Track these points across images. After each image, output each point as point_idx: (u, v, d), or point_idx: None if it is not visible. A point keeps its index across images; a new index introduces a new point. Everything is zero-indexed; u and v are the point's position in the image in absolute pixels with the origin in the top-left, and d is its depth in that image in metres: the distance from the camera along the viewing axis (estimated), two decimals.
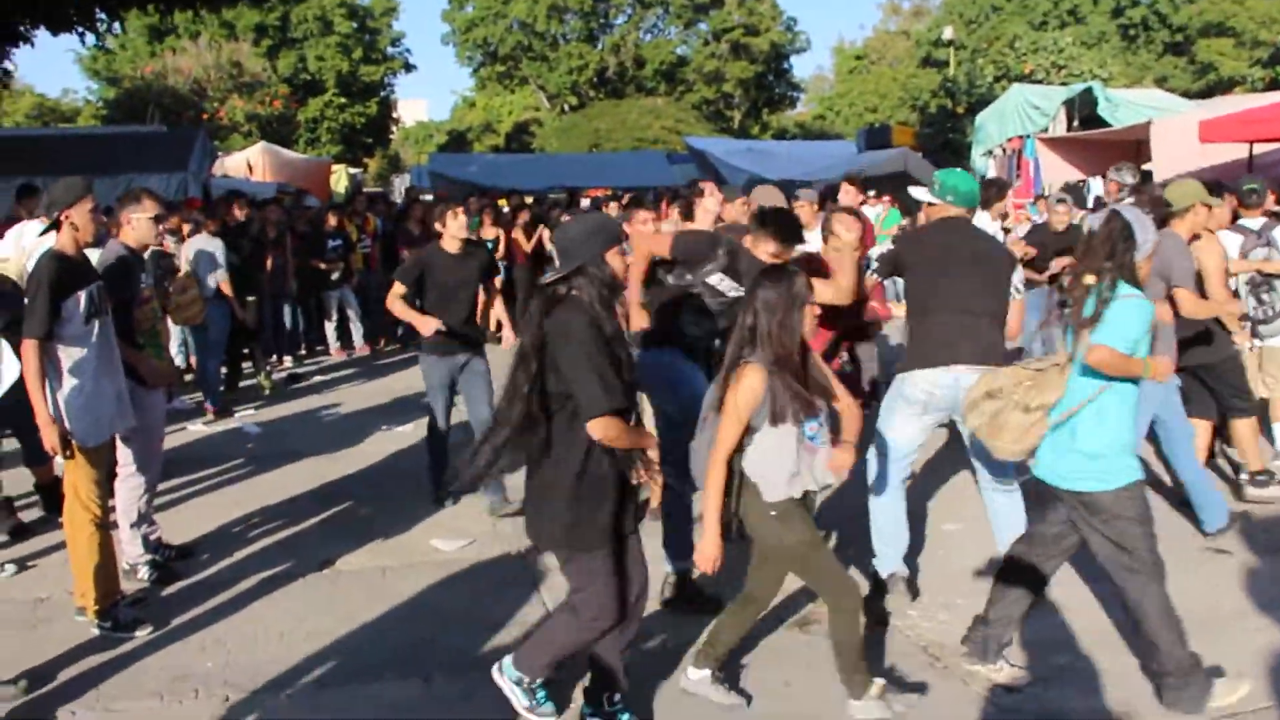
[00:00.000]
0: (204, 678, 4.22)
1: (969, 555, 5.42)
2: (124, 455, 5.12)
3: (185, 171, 11.99)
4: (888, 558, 4.80)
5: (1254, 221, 6.70)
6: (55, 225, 4.51)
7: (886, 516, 4.82)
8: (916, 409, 4.73)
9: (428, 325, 6.08)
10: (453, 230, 6.32)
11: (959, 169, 5.08)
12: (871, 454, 4.85)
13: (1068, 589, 4.94)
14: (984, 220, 7.29)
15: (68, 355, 4.44)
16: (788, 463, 3.68)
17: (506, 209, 13.69)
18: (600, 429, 3.39)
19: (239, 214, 10.38)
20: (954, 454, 7.16)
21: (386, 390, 10.09)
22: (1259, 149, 13.08)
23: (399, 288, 6.26)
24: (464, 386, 6.39)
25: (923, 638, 4.50)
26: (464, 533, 5.90)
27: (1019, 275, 4.89)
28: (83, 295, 4.46)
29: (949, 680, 4.14)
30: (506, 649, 4.40)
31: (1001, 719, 3.85)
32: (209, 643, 4.55)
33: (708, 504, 3.73)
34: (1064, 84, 23.71)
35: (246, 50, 32.78)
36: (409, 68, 44.28)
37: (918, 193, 5.20)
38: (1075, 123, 18.84)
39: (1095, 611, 4.71)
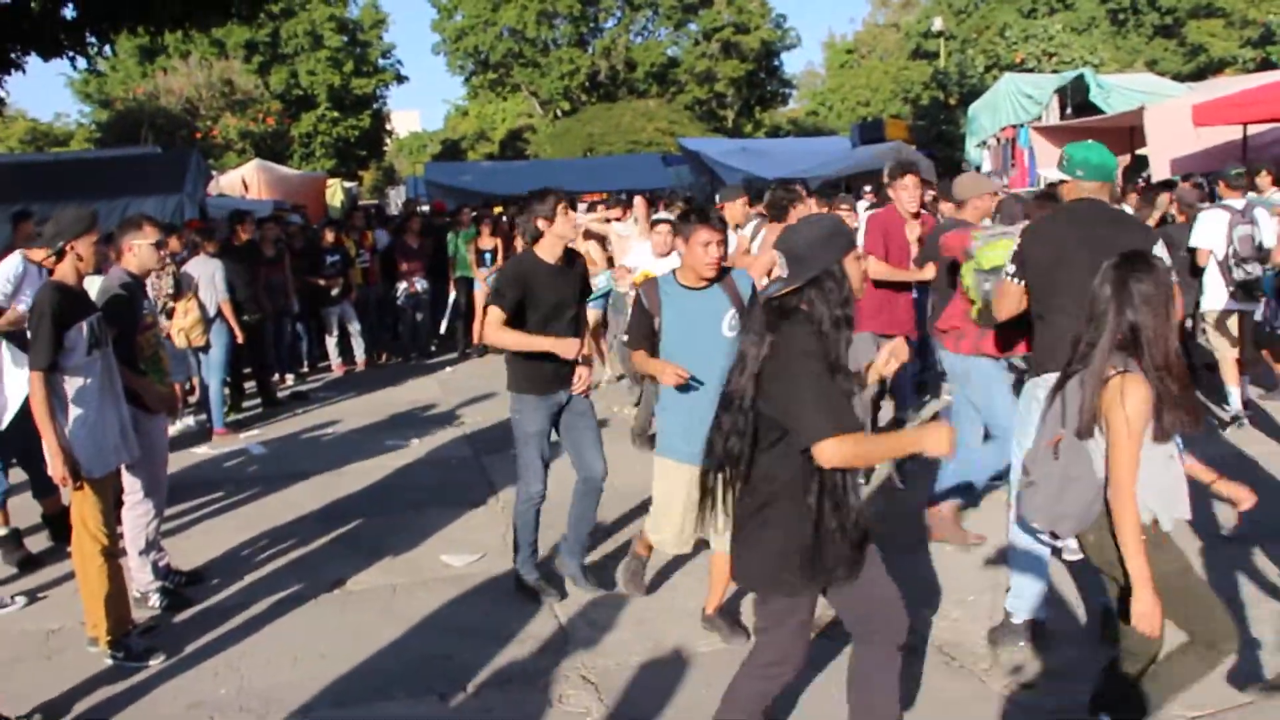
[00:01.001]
0: (219, 704, 4.21)
1: (981, 552, 5.42)
2: (130, 483, 5.11)
3: (180, 193, 11.96)
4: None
5: (1237, 201, 7.71)
6: (59, 254, 4.51)
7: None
8: None
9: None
10: (560, 230, 4.95)
11: (1090, 141, 4.50)
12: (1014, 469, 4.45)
13: (1081, 579, 4.94)
14: None
15: (71, 385, 4.44)
16: (1164, 483, 3.20)
17: (505, 217, 13.69)
18: (829, 453, 2.98)
19: (243, 234, 10.42)
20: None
21: (390, 405, 10.08)
22: (1253, 130, 13.08)
23: (498, 314, 4.88)
24: (567, 432, 5.16)
25: (937, 637, 4.49)
26: (473, 547, 5.89)
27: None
28: (84, 325, 4.46)
29: (966, 679, 4.13)
30: (520, 663, 4.42)
31: (1020, 716, 3.84)
32: (222, 668, 4.54)
33: (1131, 551, 3.12)
34: (1055, 71, 23.70)
35: (238, 68, 32.78)
36: (401, 79, 44.22)
37: (1048, 172, 5.11)
38: (1069, 110, 18.83)
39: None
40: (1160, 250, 4.14)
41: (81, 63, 14.25)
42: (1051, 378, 3.93)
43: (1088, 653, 4.27)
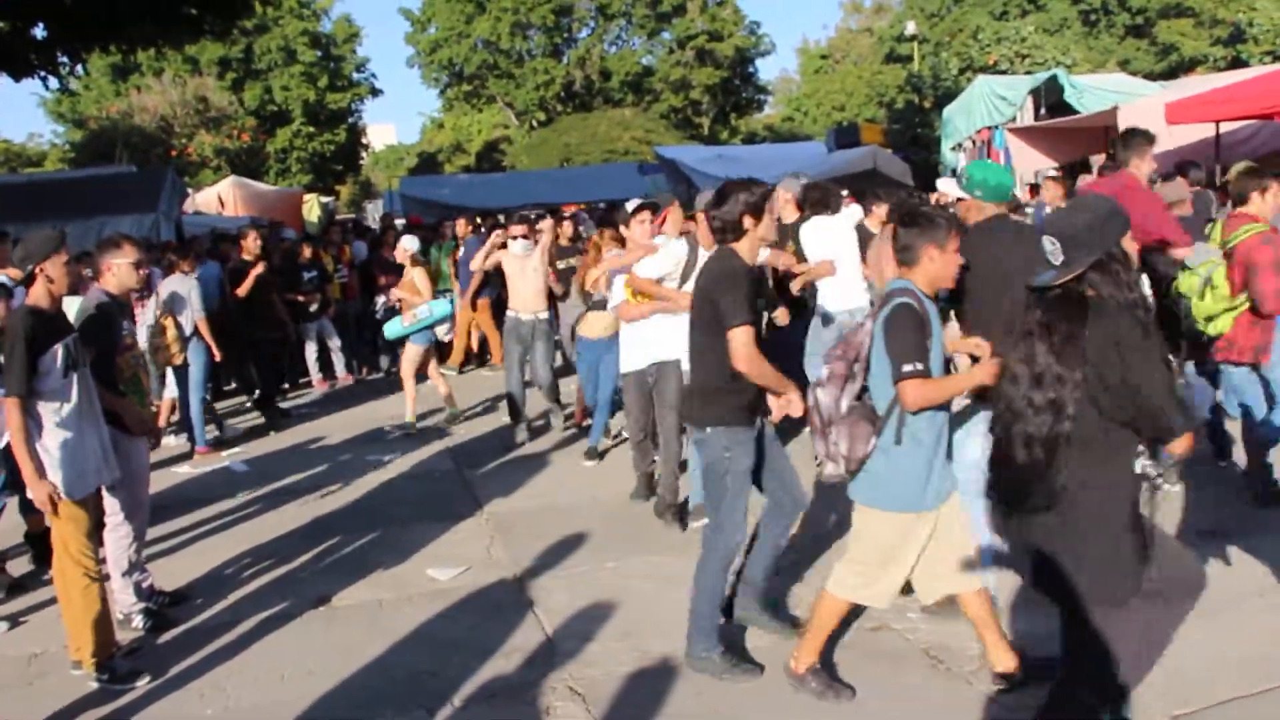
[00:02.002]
0: None
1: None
2: (111, 504, 5.07)
3: (156, 211, 11.92)
4: None
5: None
6: (30, 279, 4.48)
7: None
8: None
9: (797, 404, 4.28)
10: (765, 230, 4.30)
11: (987, 161, 4.86)
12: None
13: None
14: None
15: (48, 409, 4.40)
16: None
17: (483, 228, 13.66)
18: (1183, 445, 3.07)
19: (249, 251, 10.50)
20: None
21: (371, 419, 10.05)
22: (1225, 128, 13.18)
23: (751, 332, 4.11)
24: (770, 462, 4.56)
25: (924, 640, 4.50)
26: (459, 560, 5.87)
27: None
28: (59, 349, 4.43)
29: (952, 681, 4.14)
30: (507, 676, 4.41)
31: (1006, 717, 3.85)
32: (208, 689, 4.51)
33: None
34: (1029, 73, 23.86)
35: (211, 84, 32.70)
36: (376, 92, 44.20)
37: (945, 185, 5.11)
38: (1043, 111, 18.95)
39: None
40: None
41: (53, 82, 14.19)
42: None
43: None
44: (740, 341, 4.04)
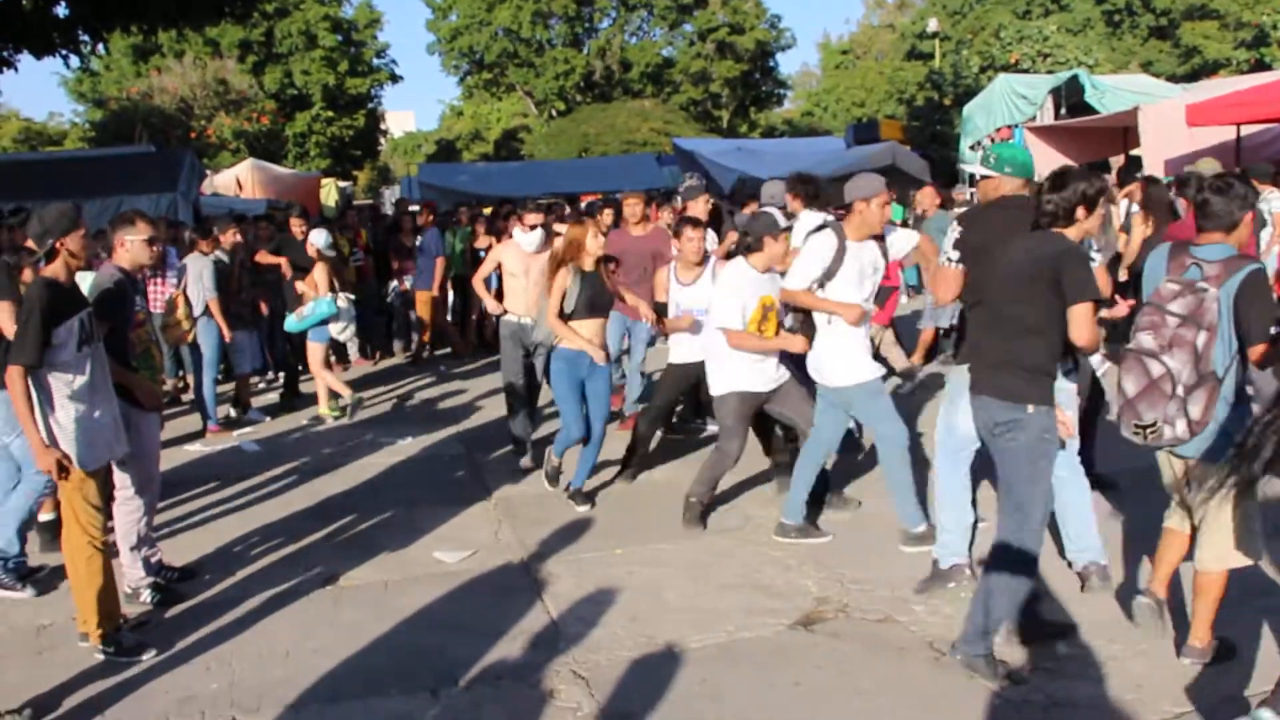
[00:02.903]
0: (210, 699, 4.20)
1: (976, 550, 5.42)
2: (121, 479, 5.10)
3: (174, 192, 11.96)
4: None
5: None
6: (51, 253, 4.50)
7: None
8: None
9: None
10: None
11: (1012, 142, 4.92)
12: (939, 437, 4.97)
13: (1073, 578, 4.95)
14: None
15: (62, 382, 4.43)
16: None
17: (496, 217, 13.67)
18: None
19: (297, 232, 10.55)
20: None
21: (383, 403, 10.08)
22: (1246, 130, 13.10)
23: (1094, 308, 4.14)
24: None
25: (927, 633, 4.49)
26: (466, 543, 5.89)
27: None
28: (75, 322, 4.45)
29: (957, 675, 4.13)
30: (512, 658, 4.42)
31: (1009, 711, 3.84)
32: (214, 664, 4.53)
33: None
34: (1050, 72, 23.75)
35: (232, 67, 32.76)
36: (395, 79, 44.24)
37: (973, 167, 5.22)
38: (1063, 110, 18.86)
39: (1097, 599, 4.71)
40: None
41: (75, 61, 14.26)
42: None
43: (1078, 649, 4.29)
44: (1087, 317, 3.98)
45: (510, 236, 8.28)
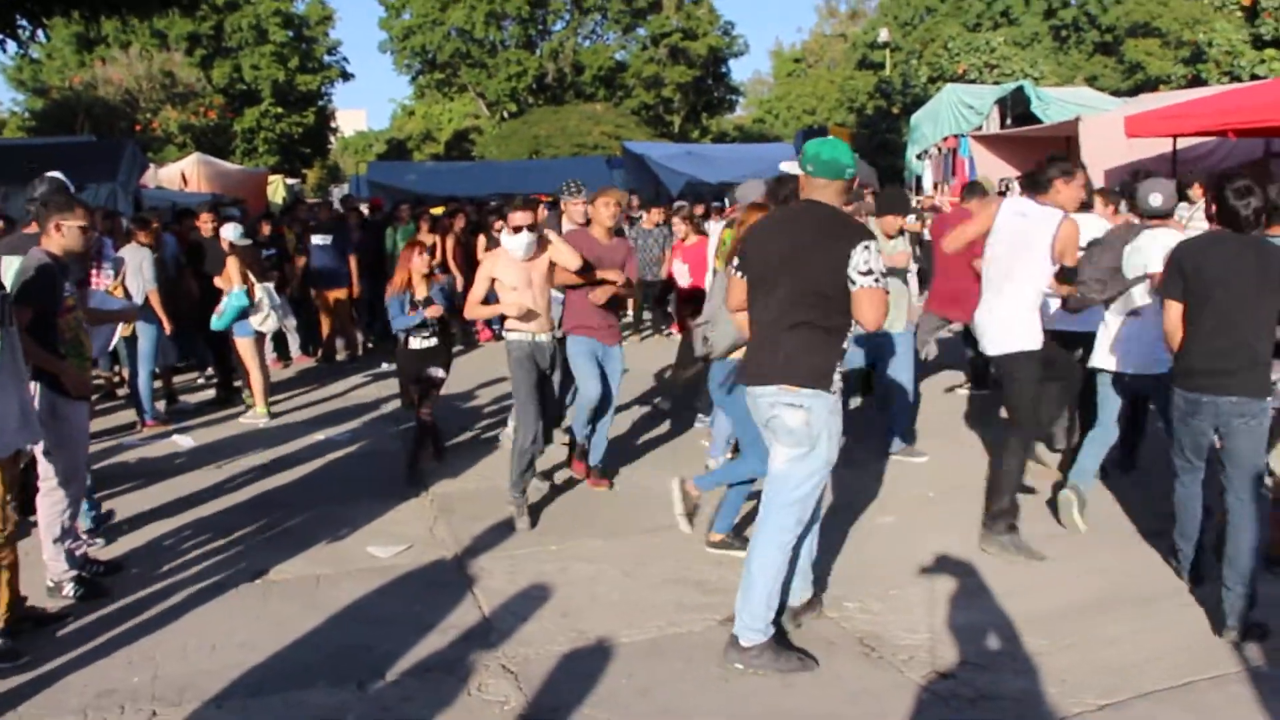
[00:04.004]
0: (130, 693, 4.12)
1: (902, 547, 5.47)
2: (45, 469, 4.99)
3: (114, 182, 11.75)
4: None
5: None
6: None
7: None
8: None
9: None
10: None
11: (832, 138, 4.44)
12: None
13: (1003, 575, 5.01)
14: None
15: None
16: None
17: (437, 212, 13.60)
18: None
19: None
20: (884, 445, 7.24)
21: (323, 400, 9.98)
22: (1182, 143, 13.36)
23: None
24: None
25: (858, 629, 4.52)
26: (401, 538, 5.84)
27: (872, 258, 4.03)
28: None
29: (885, 670, 4.16)
30: (441, 652, 4.39)
31: (937, 704, 3.88)
32: (137, 657, 4.45)
33: None
34: (996, 83, 24.09)
35: (179, 60, 32.32)
36: (346, 76, 43.94)
37: (787, 166, 5.05)
38: (1009, 121, 19.15)
39: (1029, 596, 4.77)
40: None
41: (12, 47, 13.95)
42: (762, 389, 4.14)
43: (1006, 644, 4.34)
44: None
45: (485, 242, 7.93)
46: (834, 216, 4.16)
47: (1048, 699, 3.88)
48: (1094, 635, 4.39)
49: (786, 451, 4.14)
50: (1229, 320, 4.42)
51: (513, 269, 6.17)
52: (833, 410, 4.12)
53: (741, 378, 4.45)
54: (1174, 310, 4.60)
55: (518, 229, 6.13)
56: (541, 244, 6.26)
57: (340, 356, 12.22)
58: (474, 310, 6.39)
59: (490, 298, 6.27)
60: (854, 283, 3.99)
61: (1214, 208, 4.58)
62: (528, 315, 6.14)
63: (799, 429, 4.08)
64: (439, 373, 7.22)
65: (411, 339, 7.14)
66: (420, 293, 7.03)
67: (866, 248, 3.99)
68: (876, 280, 3.99)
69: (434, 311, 7.02)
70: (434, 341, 7.18)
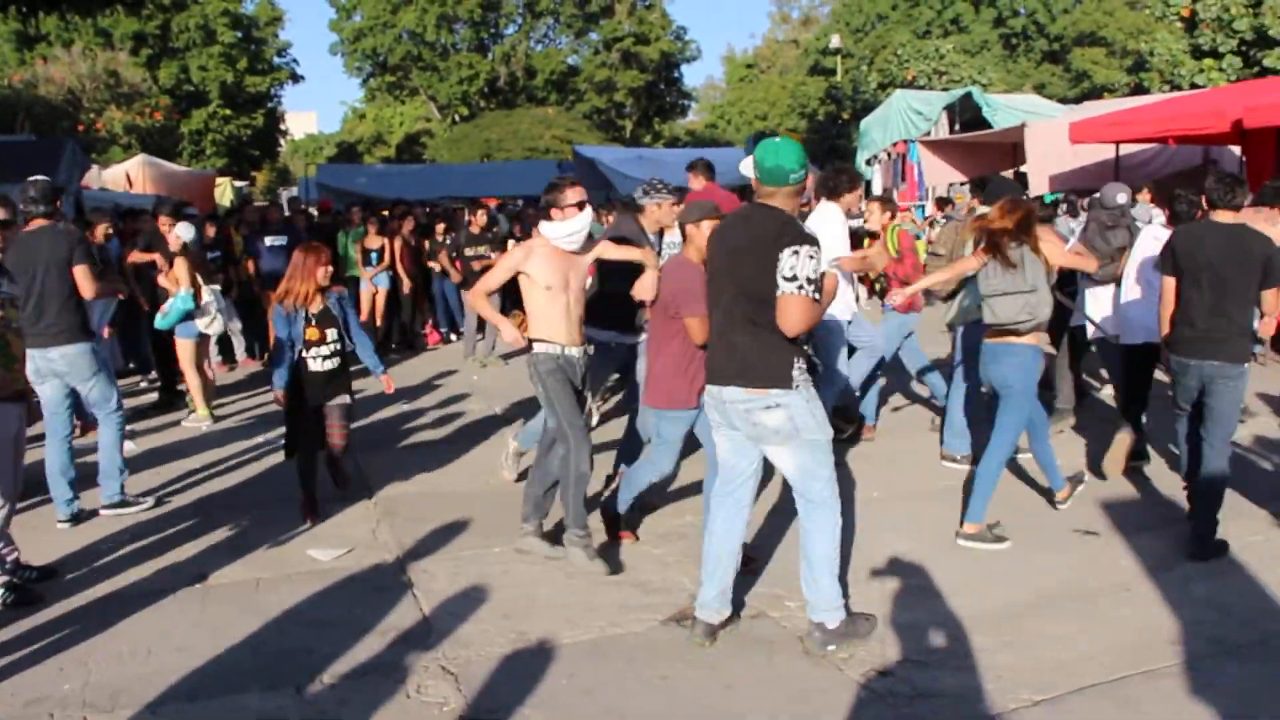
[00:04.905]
0: (61, 700, 4.04)
1: (846, 546, 5.48)
2: None
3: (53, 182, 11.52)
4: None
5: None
6: None
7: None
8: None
9: None
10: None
11: (781, 140, 4.23)
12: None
13: (946, 575, 5.05)
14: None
15: None
16: None
17: (390, 217, 13.50)
18: None
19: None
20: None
21: (268, 403, 9.83)
22: (1125, 149, 13.58)
23: None
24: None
25: (799, 628, 4.52)
26: (343, 541, 5.77)
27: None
28: None
29: (825, 669, 4.17)
30: (380, 655, 4.35)
31: (875, 702, 3.89)
32: (68, 664, 4.36)
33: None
34: (946, 89, 24.34)
35: (124, 60, 31.77)
36: (296, 78, 43.50)
37: (745, 168, 5.08)
38: (957, 126, 19.36)
39: (972, 596, 4.81)
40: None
41: None
42: (728, 392, 4.17)
43: (947, 642, 4.37)
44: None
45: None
46: (769, 220, 4.13)
47: (985, 695, 3.91)
48: (1034, 633, 4.43)
49: (782, 449, 4.21)
50: (1214, 295, 5.22)
51: (550, 264, 5.19)
52: (808, 399, 4.16)
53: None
54: (1168, 284, 5.48)
55: (574, 207, 5.18)
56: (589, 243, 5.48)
57: None
58: (480, 302, 5.52)
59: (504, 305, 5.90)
60: (778, 287, 3.99)
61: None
62: (550, 327, 5.26)
63: (784, 426, 4.13)
64: (345, 399, 6.43)
65: (311, 361, 6.21)
66: (316, 306, 6.22)
67: (795, 252, 3.95)
68: (800, 287, 3.94)
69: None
70: (337, 362, 6.33)
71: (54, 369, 6.28)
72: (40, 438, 7.87)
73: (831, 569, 4.30)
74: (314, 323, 6.21)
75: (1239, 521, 5.66)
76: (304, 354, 6.19)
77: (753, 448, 4.33)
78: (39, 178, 6.45)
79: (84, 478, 7.18)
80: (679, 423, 5.23)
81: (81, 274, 6.23)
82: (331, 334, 6.26)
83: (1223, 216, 5.36)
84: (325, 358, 6.25)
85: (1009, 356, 5.45)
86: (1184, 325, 5.36)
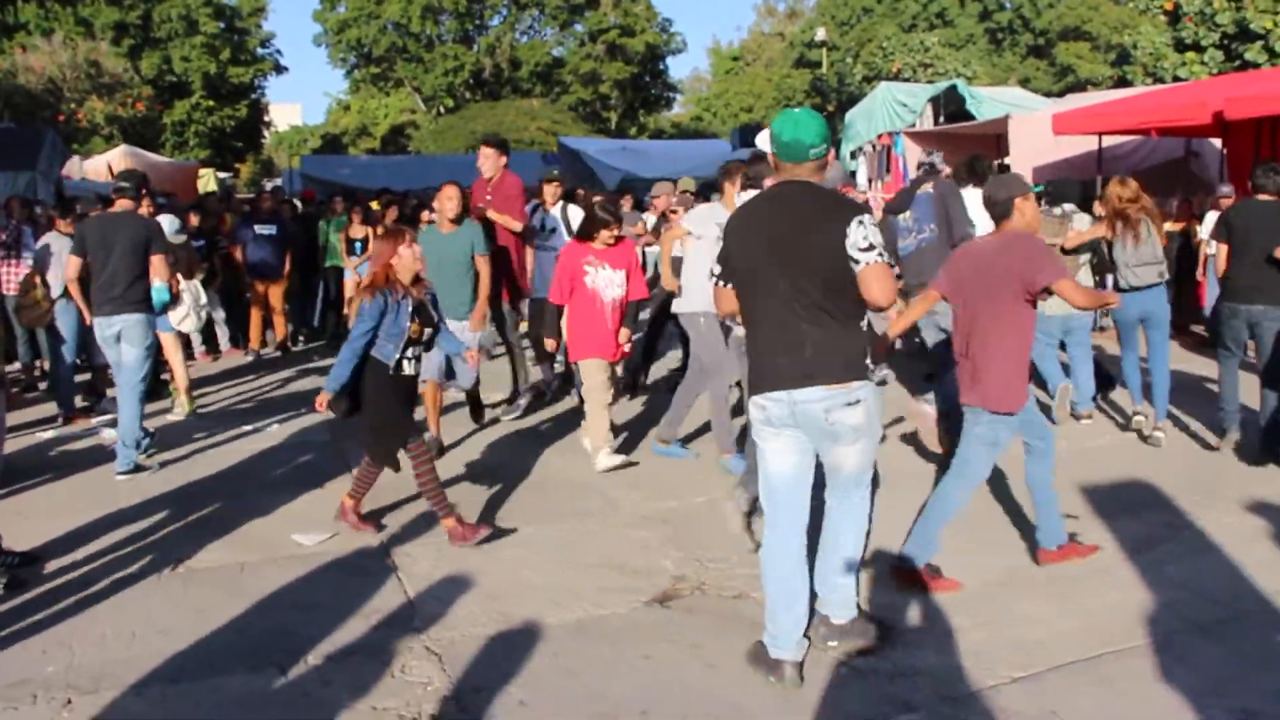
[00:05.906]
0: (44, 682, 4.04)
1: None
2: None
3: (33, 170, 11.49)
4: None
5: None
6: None
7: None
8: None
9: None
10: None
11: (800, 110, 3.91)
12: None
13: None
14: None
15: None
16: None
17: (376, 208, 13.48)
18: None
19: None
20: None
21: (252, 392, 9.86)
22: (1107, 141, 13.64)
23: None
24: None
25: None
26: (327, 525, 5.77)
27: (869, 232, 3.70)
28: None
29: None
30: (364, 636, 4.36)
31: (856, 680, 3.93)
32: (52, 646, 4.36)
33: None
34: (930, 82, 24.40)
35: (105, 49, 31.51)
36: (280, 69, 43.24)
37: (761, 141, 4.94)
38: (942, 118, 19.39)
39: (948, 575, 4.84)
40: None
41: None
42: (802, 393, 3.76)
43: (926, 623, 4.41)
44: None
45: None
46: (811, 197, 3.80)
47: (964, 673, 3.95)
48: (1012, 613, 4.48)
49: (849, 448, 3.90)
50: (1259, 255, 6.53)
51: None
52: (877, 390, 3.94)
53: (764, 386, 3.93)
54: (1223, 250, 6.94)
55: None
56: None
57: (268, 350, 12.08)
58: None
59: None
60: (856, 261, 3.64)
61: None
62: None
63: (863, 423, 3.83)
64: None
65: (406, 363, 5.49)
66: (415, 298, 5.50)
67: (861, 222, 3.66)
68: (880, 255, 3.64)
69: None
70: (417, 366, 5.65)
71: (115, 333, 7.03)
72: (20, 427, 7.91)
73: (855, 564, 4.18)
74: (416, 318, 5.46)
75: (1213, 504, 5.74)
76: (401, 353, 5.43)
77: (809, 444, 3.96)
78: (133, 169, 6.76)
79: (68, 465, 7.21)
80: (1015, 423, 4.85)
81: (159, 262, 7.19)
82: (429, 333, 5.59)
83: (1264, 197, 6.82)
84: (415, 360, 5.56)
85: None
86: (1236, 278, 6.75)
